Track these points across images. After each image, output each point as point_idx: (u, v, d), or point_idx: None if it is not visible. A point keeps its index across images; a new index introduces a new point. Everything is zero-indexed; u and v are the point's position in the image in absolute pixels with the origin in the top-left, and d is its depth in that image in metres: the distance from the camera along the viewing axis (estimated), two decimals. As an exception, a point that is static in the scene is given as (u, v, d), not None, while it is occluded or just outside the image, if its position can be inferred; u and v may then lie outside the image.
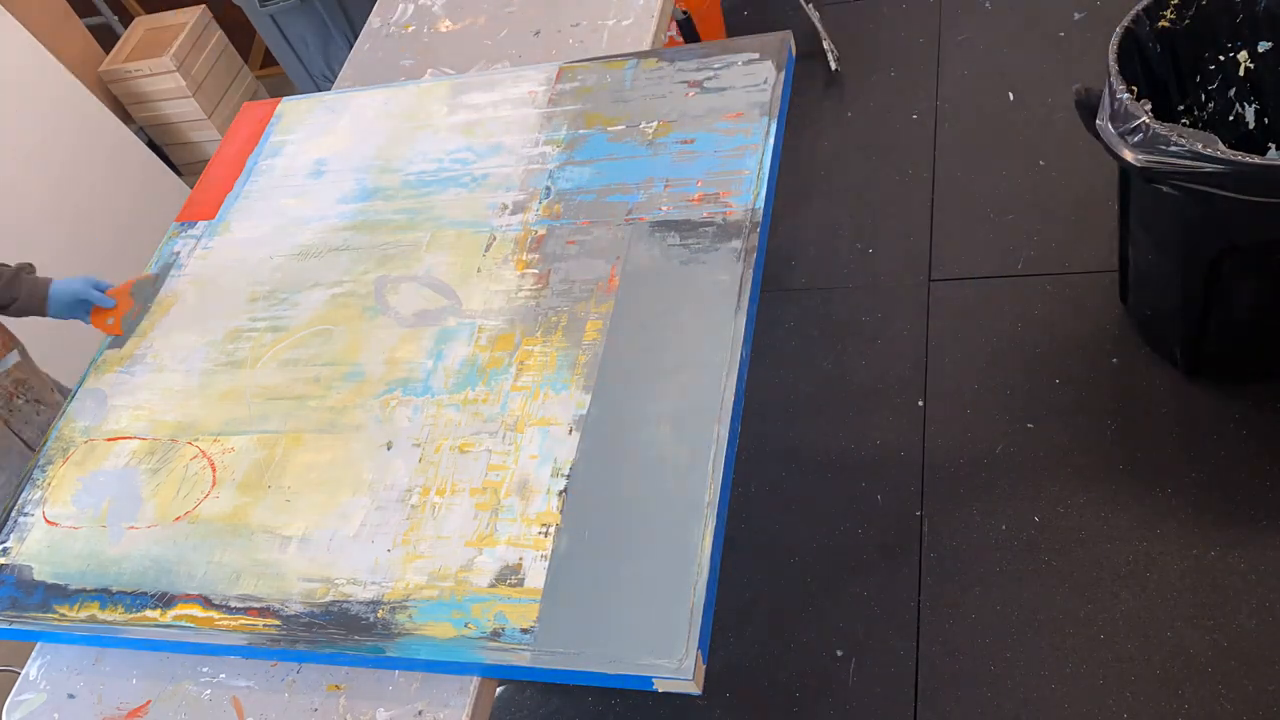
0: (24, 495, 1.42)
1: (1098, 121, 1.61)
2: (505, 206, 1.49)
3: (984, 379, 2.04)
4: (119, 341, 1.56)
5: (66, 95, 2.74)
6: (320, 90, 2.17)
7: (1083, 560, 1.74)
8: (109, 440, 1.43)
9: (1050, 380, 1.99)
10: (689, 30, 2.36)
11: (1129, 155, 1.53)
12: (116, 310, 1.58)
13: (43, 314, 1.57)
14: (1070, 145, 2.35)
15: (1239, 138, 1.86)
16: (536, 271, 1.39)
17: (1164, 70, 1.78)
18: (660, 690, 1.00)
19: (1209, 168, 1.44)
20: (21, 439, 1.64)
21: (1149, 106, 1.54)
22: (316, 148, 1.74)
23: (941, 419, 2.01)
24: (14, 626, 1.28)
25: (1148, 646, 1.63)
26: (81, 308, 1.59)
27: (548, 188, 1.49)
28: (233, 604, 1.19)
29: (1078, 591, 1.71)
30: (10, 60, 2.60)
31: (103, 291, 1.59)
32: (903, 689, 1.71)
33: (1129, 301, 2.01)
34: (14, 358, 1.67)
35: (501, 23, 1.92)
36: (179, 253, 1.67)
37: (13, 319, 1.60)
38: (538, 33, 1.86)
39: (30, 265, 1.60)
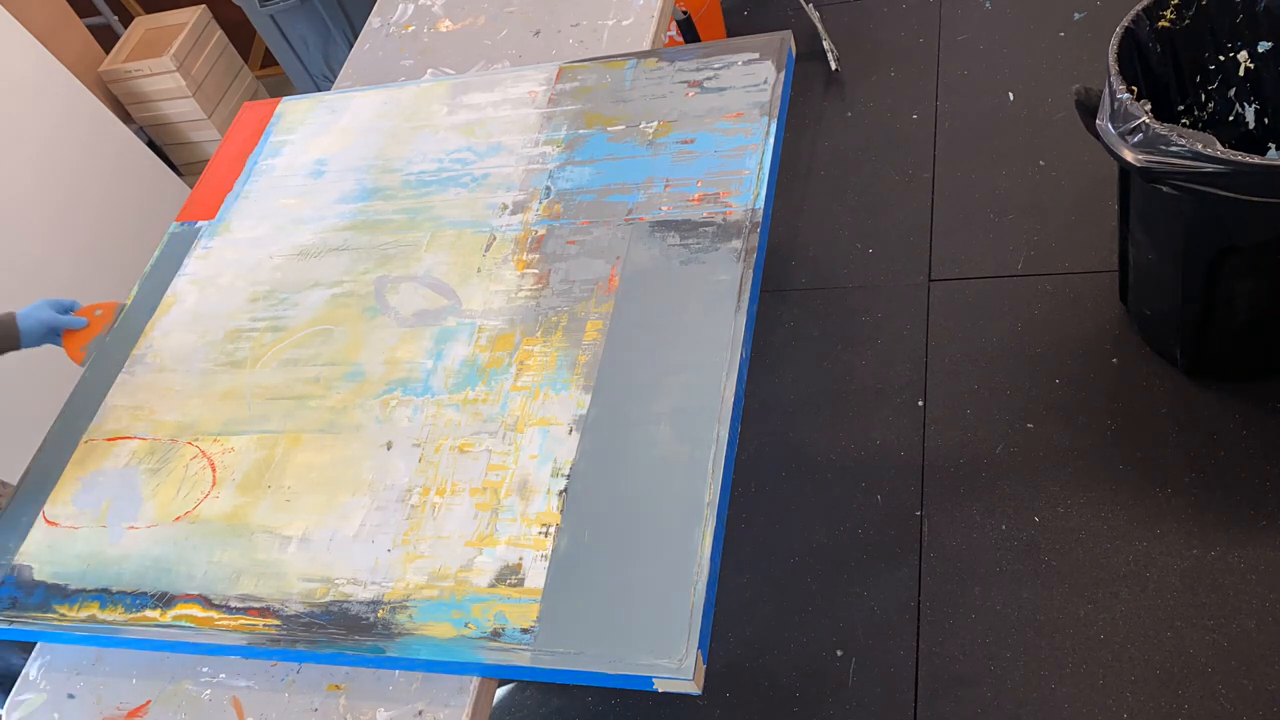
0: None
1: (1098, 121, 1.61)
2: (505, 206, 1.49)
3: (984, 379, 2.04)
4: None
5: (66, 95, 2.74)
6: (320, 90, 2.17)
7: (1083, 560, 1.74)
8: (109, 440, 1.44)
9: (1050, 380, 1.99)
10: (689, 30, 2.35)
11: (1129, 155, 1.53)
12: (89, 331, 1.58)
13: (16, 348, 1.52)
14: (1070, 145, 2.35)
15: (1239, 138, 1.86)
16: (536, 271, 1.39)
17: (1164, 70, 1.78)
18: (660, 690, 1.00)
19: (1209, 168, 1.44)
20: None
21: (1149, 106, 1.54)
22: (316, 148, 1.74)
23: (941, 419, 2.01)
24: (14, 626, 1.28)
25: (1148, 646, 1.63)
26: (53, 335, 1.56)
27: (548, 188, 1.49)
28: (233, 604, 1.19)
29: (1078, 591, 1.71)
30: (10, 60, 2.60)
31: (69, 312, 1.58)
32: (903, 689, 1.71)
33: (1129, 301, 2.01)
34: None
35: (501, 23, 1.93)
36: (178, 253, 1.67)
37: None
38: (538, 33, 1.86)
39: None
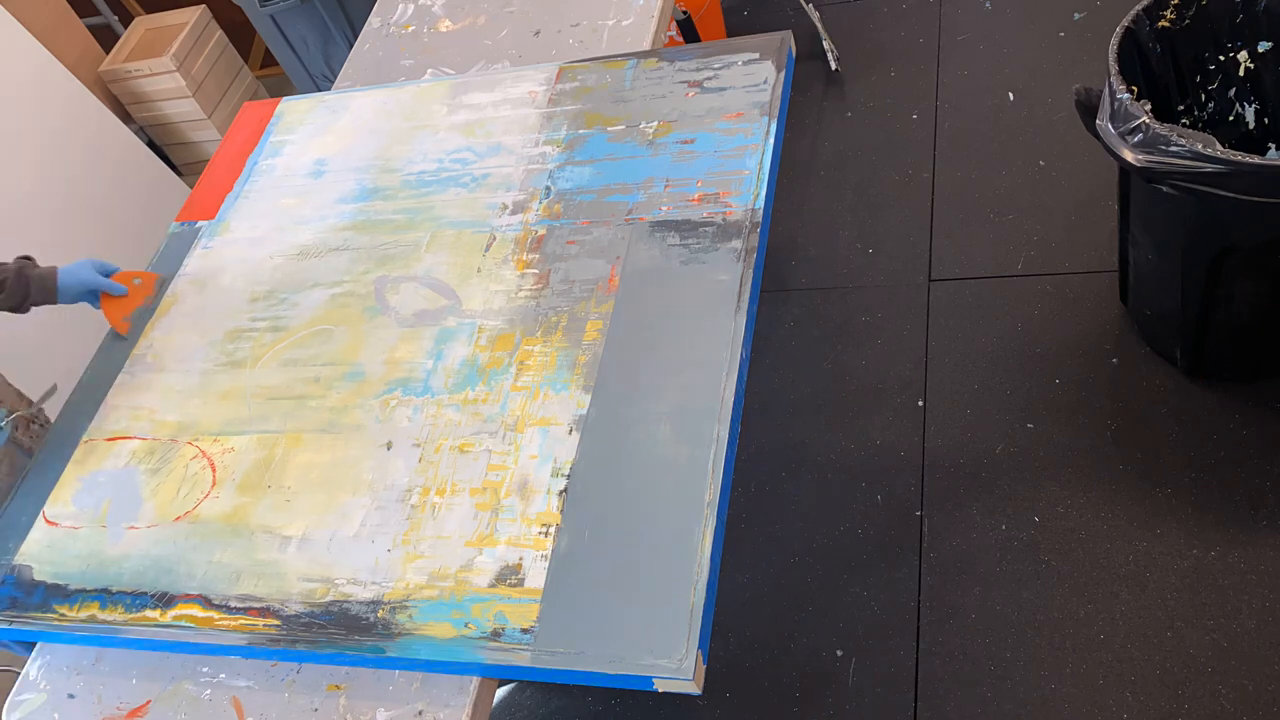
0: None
1: (1098, 121, 1.61)
2: (505, 206, 1.49)
3: (984, 379, 2.04)
4: (123, 339, 1.56)
5: (66, 95, 2.74)
6: (320, 90, 2.17)
7: (1083, 560, 1.74)
8: (109, 440, 1.43)
9: (1050, 380, 1.99)
10: (689, 30, 2.35)
11: (1129, 155, 1.53)
12: (128, 302, 1.60)
13: (53, 303, 1.59)
14: (1070, 145, 2.35)
15: (1239, 138, 1.86)
16: (536, 271, 1.39)
17: (1164, 70, 1.78)
18: (660, 690, 1.00)
19: (1209, 168, 1.44)
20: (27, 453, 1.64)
21: (1149, 106, 1.54)
22: (316, 148, 1.74)
23: (941, 419, 2.01)
24: (14, 626, 1.28)
25: (1148, 646, 1.63)
26: (91, 296, 1.61)
27: (548, 188, 1.49)
28: (233, 604, 1.19)
29: (1078, 591, 1.71)
30: (10, 60, 2.60)
31: (109, 276, 1.61)
32: (903, 689, 1.71)
33: (1129, 301, 2.01)
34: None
35: (501, 23, 1.93)
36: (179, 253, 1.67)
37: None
38: (538, 33, 1.86)
39: (29, 258, 1.59)
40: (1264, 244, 1.58)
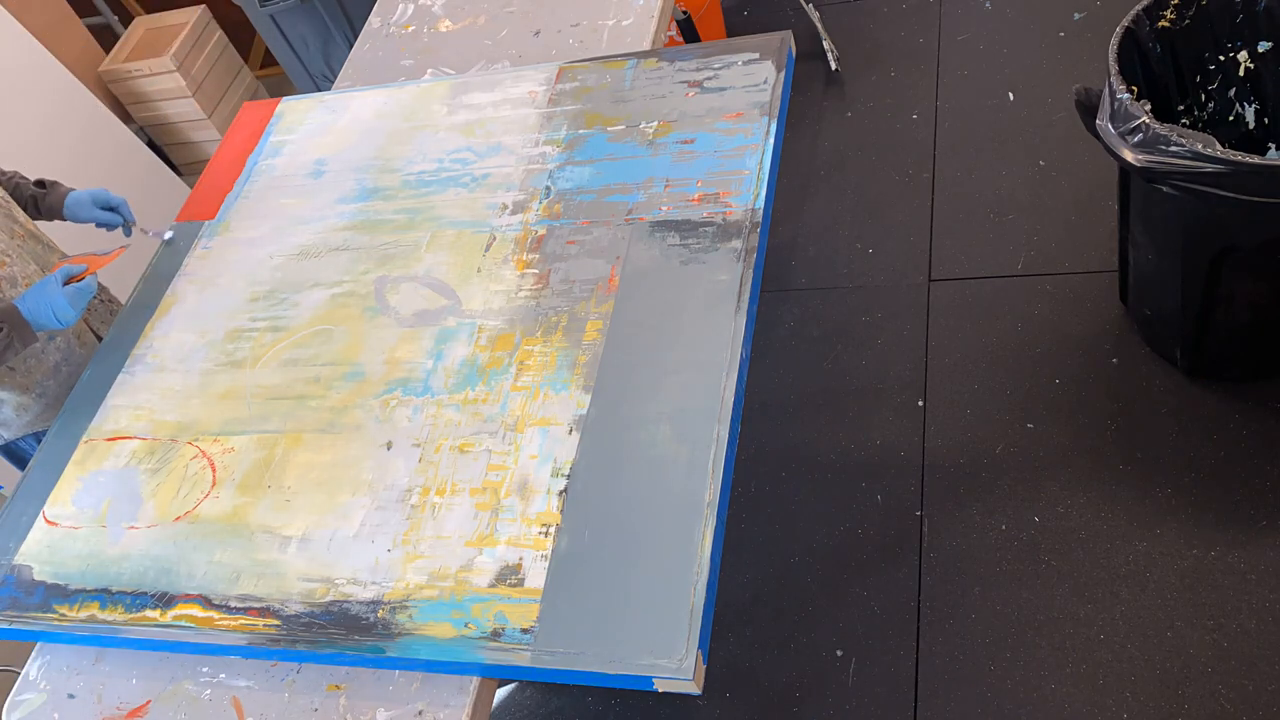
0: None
1: (1098, 121, 1.61)
2: (505, 206, 1.49)
3: (984, 379, 2.04)
4: (119, 338, 1.56)
5: (66, 95, 2.74)
6: (320, 90, 2.17)
7: (1083, 560, 1.74)
8: (109, 440, 1.43)
9: (1050, 380, 1.99)
10: (689, 30, 2.35)
11: (1129, 155, 1.53)
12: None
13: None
14: (1070, 145, 2.35)
15: (1239, 138, 1.86)
16: (536, 271, 1.39)
17: (1164, 70, 1.78)
18: (660, 690, 1.00)
19: (1209, 168, 1.44)
20: (96, 335, 1.72)
21: (1149, 106, 1.54)
22: (316, 148, 1.74)
23: (941, 419, 2.01)
24: (14, 626, 1.28)
25: (1148, 646, 1.63)
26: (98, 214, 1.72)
27: (548, 188, 1.49)
28: (233, 604, 1.19)
29: (1078, 591, 1.71)
30: (10, 60, 2.60)
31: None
32: (903, 689, 1.71)
33: (1129, 301, 2.01)
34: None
35: (501, 23, 1.93)
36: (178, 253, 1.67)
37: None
38: (538, 33, 1.86)
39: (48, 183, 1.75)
40: (1264, 244, 1.58)
